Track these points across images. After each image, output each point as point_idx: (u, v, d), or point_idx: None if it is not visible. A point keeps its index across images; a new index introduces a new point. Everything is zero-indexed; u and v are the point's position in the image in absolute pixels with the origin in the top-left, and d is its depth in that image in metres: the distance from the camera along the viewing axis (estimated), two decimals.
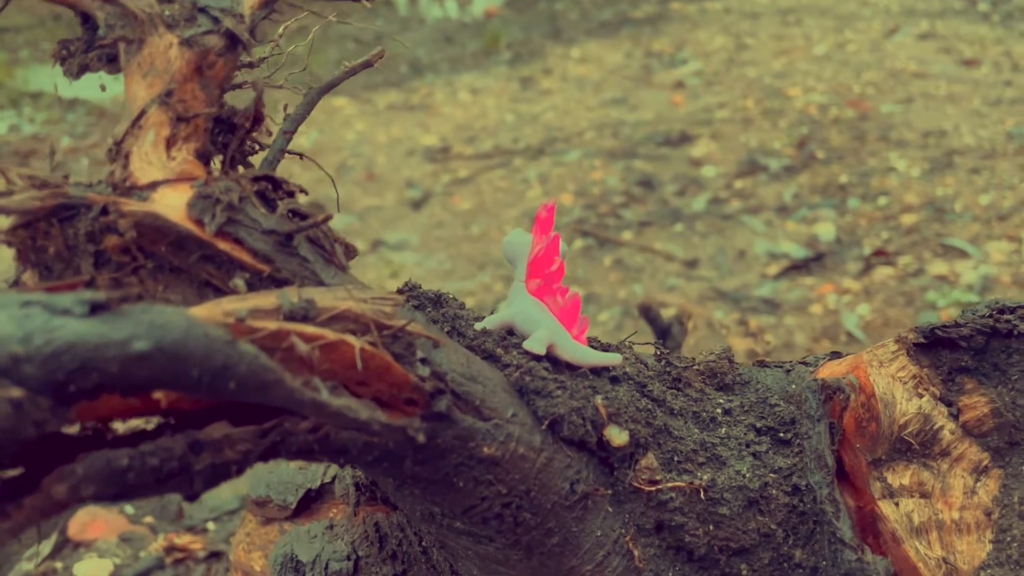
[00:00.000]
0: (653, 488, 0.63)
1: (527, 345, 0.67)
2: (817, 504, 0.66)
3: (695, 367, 0.73)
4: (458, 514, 0.61)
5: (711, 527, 0.64)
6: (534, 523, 0.62)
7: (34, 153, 4.20)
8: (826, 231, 2.98)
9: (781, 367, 0.75)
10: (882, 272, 2.72)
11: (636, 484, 0.64)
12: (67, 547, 1.75)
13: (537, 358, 0.66)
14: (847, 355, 0.76)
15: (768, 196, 3.21)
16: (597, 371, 0.68)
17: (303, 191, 0.60)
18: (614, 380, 0.67)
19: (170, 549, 1.71)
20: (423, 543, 0.73)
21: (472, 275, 2.93)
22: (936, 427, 0.67)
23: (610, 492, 0.63)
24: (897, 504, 0.66)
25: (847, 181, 3.21)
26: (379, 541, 0.77)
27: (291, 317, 0.47)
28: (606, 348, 0.73)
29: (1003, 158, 3.21)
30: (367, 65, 0.63)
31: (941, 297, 2.55)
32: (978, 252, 2.73)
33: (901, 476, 0.67)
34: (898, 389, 0.67)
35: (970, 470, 0.67)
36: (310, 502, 0.91)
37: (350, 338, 0.48)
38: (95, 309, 0.38)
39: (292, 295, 0.48)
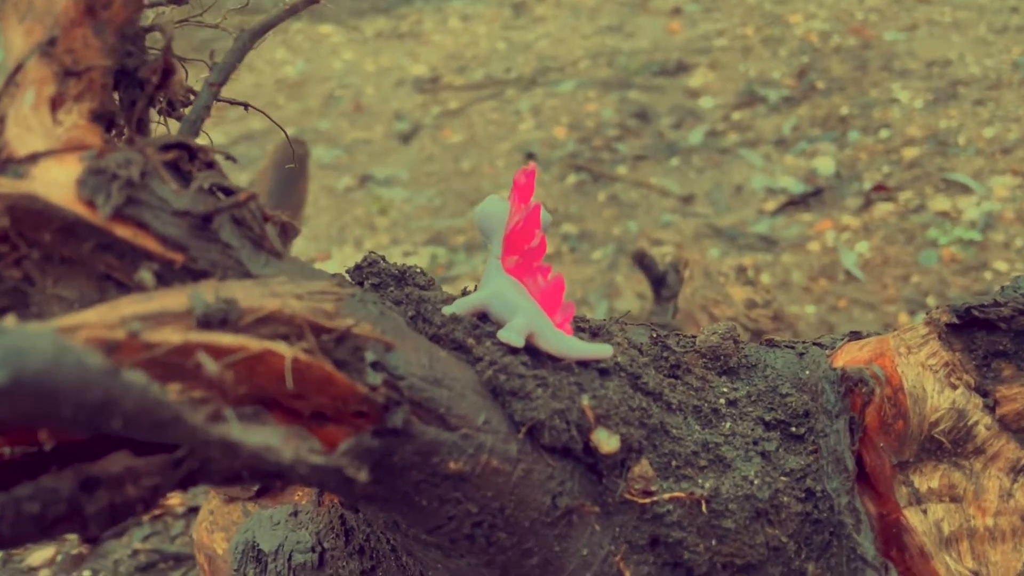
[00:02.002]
0: (647, 500, 0.55)
1: (503, 335, 0.58)
2: (835, 514, 0.58)
3: (695, 349, 0.64)
4: (423, 532, 0.53)
5: (713, 542, 0.56)
6: (510, 543, 0.54)
7: None
8: (825, 165, 2.88)
9: (792, 348, 0.67)
10: (882, 208, 2.64)
11: (628, 496, 0.55)
12: None
13: (514, 350, 0.57)
14: (868, 335, 0.67)
15: (766, 129, 3.11)
16: (584, 363, 0.59)
17: (230, 158, 0.50)
18: (603, 373, 0.58)
19: None
20: (391, 542, 0.65)
21: (462, 211, 2.84)
22: (970, 423, 0.59)
23: (597, 509, 0.55)
24: (925, 512, 0.58)
25: (848, 113, 3.11)
26: (345, 534, 0.69)
27: (206, 322, 0.38)
28: (595, 331, 0.64)
29: (1008, 88, 3.10)
30: (311, 1, 0.54)
31: (942, 235, 2.47)
32: (981, 187, 2.65)
33: (929, 478, 0.59)
34: (928, 380, 0.59)
35: (1007, 470, 0.60)
36: None
37: (280, 347, 0.39)
38: None
39: (207, 293, 0.39)
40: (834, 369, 0.61)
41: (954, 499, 0.59)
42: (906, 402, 0.59)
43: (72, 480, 0.36)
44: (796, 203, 2.74)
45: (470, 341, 0.56)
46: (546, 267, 0.59)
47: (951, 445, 0.59)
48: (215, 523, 0.89)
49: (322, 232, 2.81)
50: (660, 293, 1.41)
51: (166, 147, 0.46)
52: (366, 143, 3.29)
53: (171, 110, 0.55)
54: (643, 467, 0.56)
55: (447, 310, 0.59)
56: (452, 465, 0.50)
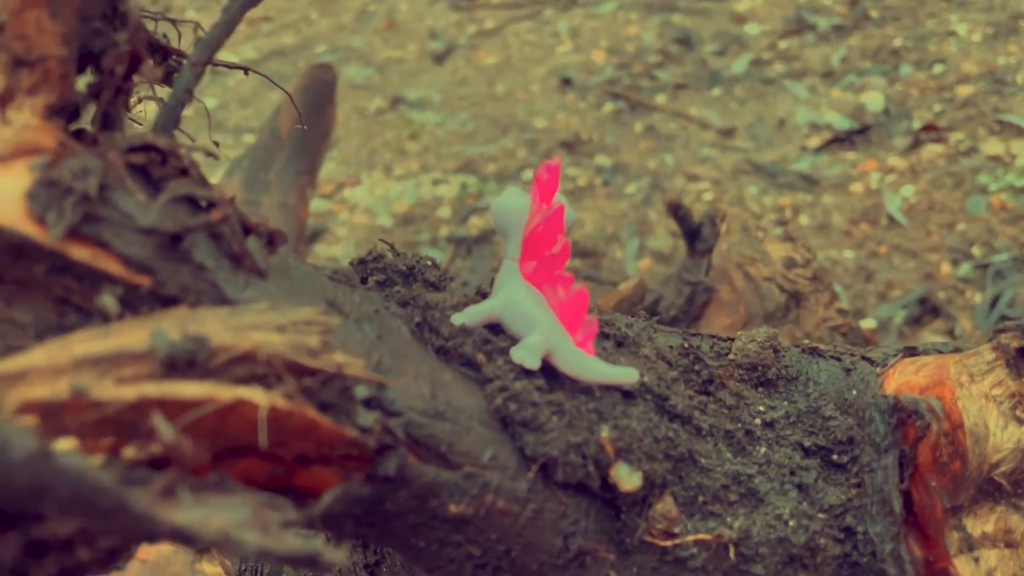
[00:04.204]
0: (670, 543, 0.50)
1: (516, 355, 0.52)
2: (877, 561, 0.53)
3: (731, 357, 0.58)
4: (421, 571, 0.49)
5: None
6: None
7: None
8: (874, 101, 2.77)
9: (839, 360, 0.61)
10: (931, 149, 2.53)
11: (649, 539, 0.50)
12: None
13: (528, 372, 0.52)
14: (925, 351, 0.61)
15: (814, 59, 2.98)
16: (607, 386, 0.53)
17: (212, 155, 0.44)
18: (627, 397, 0.52)
19: None
20: None
21: (495, 138, 2.77)
22: None
23: (613, 556, 0.50)
24: (977, 560, 0.53)
25: (901, 45, 2.97)
26: None
27: (171, 364, 0.33)
28: (621, 341, 0.57)
29: None
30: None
31: (993, 180, 2.37)
32: None
33: (984, 522, 0.53)
34: (991, 414, 0.53)
35: None
36: None
37: (255, 394, 0.34)
38: None
39: (172, 330, 0.34)
40: (885, 396, 0.55)
41: (1009, 544, 0.53)
42: (965, 442, 0.53)
43: (15, 544, 0.31)
44: (841, 140, 2.64)
45: (480, 357, 0.51)
46: (568, 276, 0.52)
47: (1011, 487, 0.53)
48: None
49: (352, 156, 2.75)
50: (694, 246, 1.35)
51: (133, 149, 0.40)
52: (399, 63, 3.20)
53: (163, 77, 0.49)
54: (666, 505, 0.51)
55: (456, 319, 0.53)
56: (453, 508, 0.45)
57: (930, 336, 2.01)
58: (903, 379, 0.57)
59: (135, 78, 0.46)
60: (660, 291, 1.35)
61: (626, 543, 0.51)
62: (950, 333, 2.01)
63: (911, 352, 0.61)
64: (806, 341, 1.22)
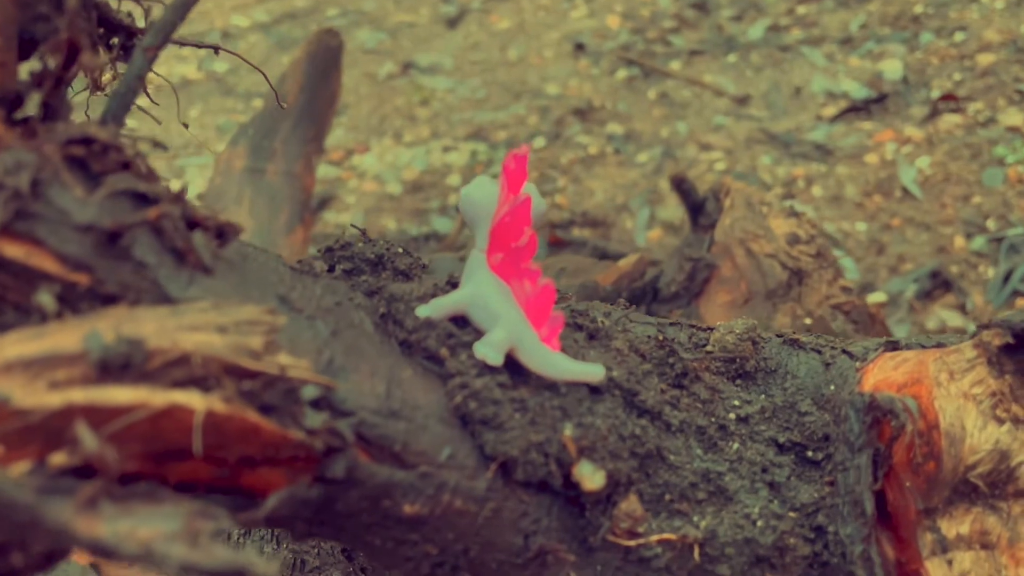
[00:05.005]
0: (633, 543, 0.49)
1: (479, 351, 0.50)
2: (847, 562, 0.52)
3: (708, 349, 0.57)
4: (380, 567, 0.48)
5: None
6: None
7: None
8: (892, 69, 2.72)
9: (820, 353, 0.59)
10: (949, 120, 2.49)
11: (613, 538, 0.49)
12: None
13: (492, 368, 0.50)
14: (907, 345, 0.59)
15: (833, 25, 2.94)
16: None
17: (160, 145, 0.43)
18: (594, 392, 0.51)
19: None
20: None
21: (506, 105, 2.74)
22: (1013, 464, 0.52)
23: (573, 557, 0.49)
24: (950, 563, 0.52)
25: (922, 11, 2.92)
26: None
27: (105, 368, 0.33)
28: (593, 333, 0.56)
29: None
30: None
31: (1011, 152, 2.33)
32: None
33: (959, 523, 0.52)
34: (970, 414, 0.52)
35: None
36: None
37: (191, 398, 0.33)
38: None
39: (106, 331, 0.33)
40: (861, 394, 0.54)
41: (985, 546, 0.52)
42: (941, 443, 0.51)
43: None
44: (857, 110, 2.60)
45: (443, 352, 0.50)
46: (535, 270, 0.51)
47: (988, 488, 0.52)
48: None
49: (362, 122, 2.74)
50: (697, 221, 1.33)
51: (71, 142, 0.39)
52: (410, 27, 3.17)
53: (113, 59, 0.48)
54: (631, 504, 0.50)
55: (421, 311, 0.52)
56: (407, 508, 0.44)
57: (941, 311, 1.99)
58: (882, 375, 0.56)
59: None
60: (668, 263, 1.33)
61: (589, 542, 0.50)
62: (962, 308, 1.98)
63: (892, 346, 0.59)
64: (807, 320, 1.20)
